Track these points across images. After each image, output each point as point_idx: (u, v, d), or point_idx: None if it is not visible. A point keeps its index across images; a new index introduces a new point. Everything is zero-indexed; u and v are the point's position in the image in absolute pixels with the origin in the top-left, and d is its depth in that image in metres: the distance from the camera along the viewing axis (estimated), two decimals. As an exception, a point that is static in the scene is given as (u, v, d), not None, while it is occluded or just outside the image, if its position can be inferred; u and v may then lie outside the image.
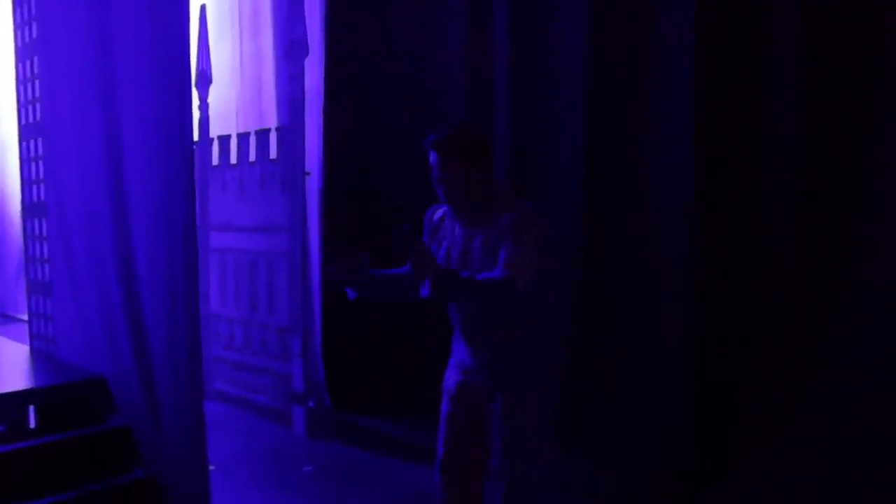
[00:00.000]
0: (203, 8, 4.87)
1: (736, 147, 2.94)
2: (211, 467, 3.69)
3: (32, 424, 3.26)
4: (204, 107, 5.01)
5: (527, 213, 2.08)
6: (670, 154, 3.08)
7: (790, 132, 2.81)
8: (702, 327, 2.99)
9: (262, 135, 4.69)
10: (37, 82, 3.59)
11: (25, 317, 4.17)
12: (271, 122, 4.71)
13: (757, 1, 2.87)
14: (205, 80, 4.96)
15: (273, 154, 4.62)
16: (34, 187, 3.74)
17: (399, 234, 1.87)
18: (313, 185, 4.55)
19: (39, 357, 3.82)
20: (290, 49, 4.39)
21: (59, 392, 3.30)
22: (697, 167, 2.96)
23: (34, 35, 3.58)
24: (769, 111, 2.86)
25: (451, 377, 2.32)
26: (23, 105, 3.71)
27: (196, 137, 5.08)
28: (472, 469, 2.25)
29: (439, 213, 2.29)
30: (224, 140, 4.98)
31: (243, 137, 4.84)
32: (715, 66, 2.93)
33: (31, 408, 3.27)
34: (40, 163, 3.66)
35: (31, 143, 3.71)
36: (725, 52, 2.93)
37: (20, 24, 3.65)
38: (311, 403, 4.46)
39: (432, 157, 2.10)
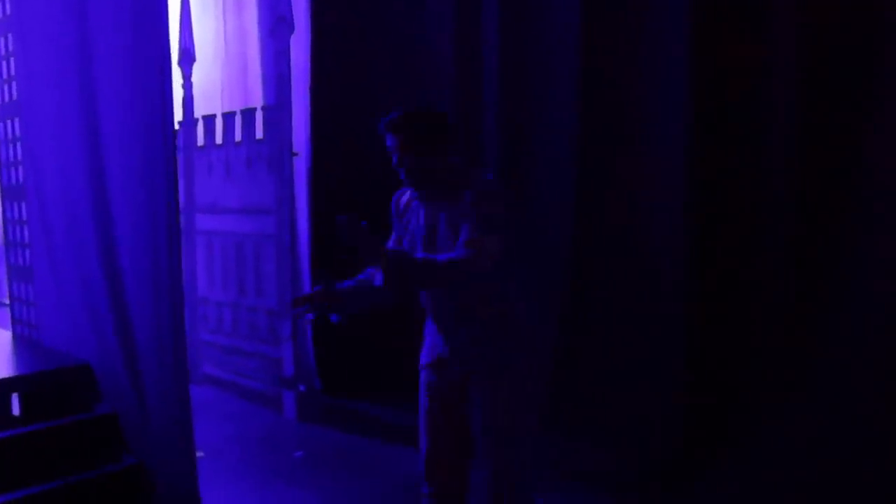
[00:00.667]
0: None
1: (732, 139, 2.92)
2: (200, 453, 3.65)
3: (16, 412, 3.20)
4: (188, 85, 4.89)
5: (487, 188, 2.02)
6: (665, 145, 3.06)
7: (787, 125, 2.79)
8: (695, 314, 2.99)
9: (248, 114, 4.59)
10: (12, 60, 3.47)
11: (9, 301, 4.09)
12: (257, 100, 4.60)
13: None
14: (188, 58, 4.84)
15: (259, 134, 4.52)
16: (12, 169, 3.64)
17: (341, 226, 1.80)
18: (301, 165, 4.46)
19: (22, 343, 3.74)
20: (275, 26, 4.28)
21: (44, 379, 3.23)
22: (692, 160, 2.95)
23: (8, 11, 3.46)
24: (765, 104, 2.85)
25: (424, 365, 2.26)
26: (-4, 84, 3.60)
27: (180, 117, 4.96)
28: (456, 464, 2.19)
29: (405, 197, 2.23)
30: (209, 120, 4.87)
31: (228, 117, 4.73)
32: (710, 56, 2.90)
33: (15, 395, 3.21)
34: (18, 144, 3.56)
35: (9, 123, 3.59)
36: (721, 42, 2.88)
37: (-6, 0, 3.52)
38: (301, 387, 4.41)
39: (389, 140, 2.05)
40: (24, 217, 3.60)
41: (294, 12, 4.27)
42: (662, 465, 3.03)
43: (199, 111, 4.94)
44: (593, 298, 3.31)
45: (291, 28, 4.27)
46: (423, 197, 2.12)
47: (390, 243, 2.22)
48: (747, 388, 2.89)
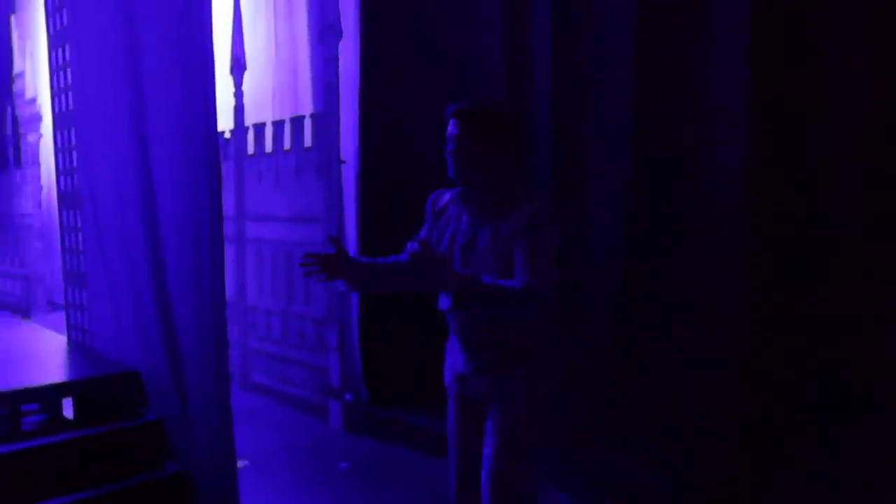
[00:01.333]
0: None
1: (795, 137, 2.75)
2: (245, 462, 3.64)
3: (69, 416, 3.25)
4: (239, 94, 4.94)
5: (548, 211, 1.87)
6: (724, 145, 2.90)
7: (855, 130, 2.59)
8: (752, 328, 2.81)
9: (297, 122, 4.60)
10: (69, 70, 3.55)
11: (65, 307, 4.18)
12: (307, 108, 4.60)
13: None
14: (239, 66, 4.88)
15: (308, 142, 4.52)
16: (68, 177, 3.72)
17: (416, 255, 1.75)
18: (349, 173, 4.43)
19: (76, 348, 3.81)
20: (324, 33, 4.28)
21: (95, 385, 3.27)
22: (753, 168, 2.77)
23: (65, 22, 3.54)
24: (831, 96, 2.66)
25: (448, 386, 2.16)
26: (56, 94, 3.68)
27: (232, 125, 5.02)
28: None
29: (445, 198, 2.10)
30: (259, 128, 4.90)
31: (278, 125, 4.75)
32: (773, 48, 2.73)
33: (69, 400, 3.26)
34: (73, 152, 3.63)
35: (65, 132, 3.67)
36: (784, 33, 2.71)
37: (52, 12, 3.61)
38: (347, 397, 4.37)
39: (452, 126, 1.92)
40: (80, 224, 3.67)
41: (343, 19, 4.25)
42: (717, 486, 2.87)
43: (250, 119, 4.98)
44: (647, 310, 3.17)
45: (340, 35, 4.26)
46: (471, 199, 1.97)
47: (420, 237, 2.10)
48: (807, 406, 2.71)
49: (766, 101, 2.75)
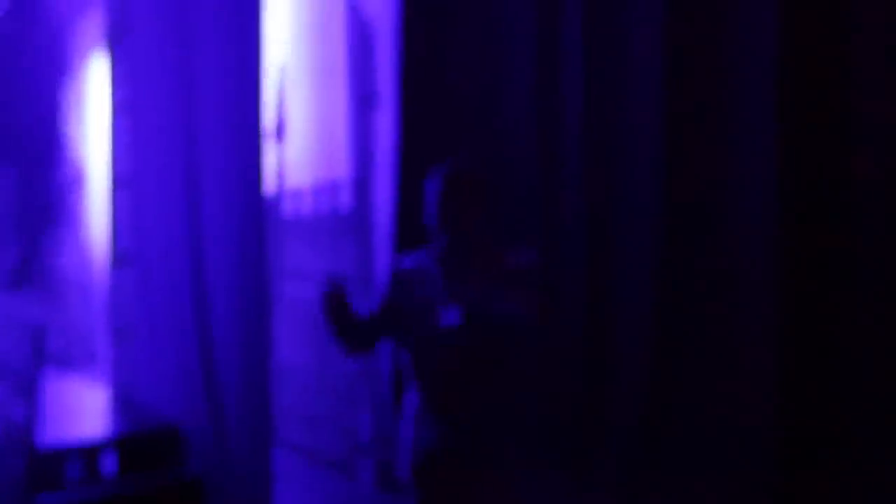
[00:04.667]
0: (283, 66, 5.07)
1: (825, 154, 2.75)
2: (278, 519, 3.67)
3: (111, 471, 3.33)
4: (280, 159, 5.16)
5: (534, 260, 2.06)
6: (753, 159, 2.91)
7: (884, 128, 2.60)
8: (790, 354, 2.77)
9: (335, 187, 4.78)
10: (128, 137, 3.78)
11: (109, 360, 4.30)
12: (343, 173, 4.80)
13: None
14: (280, 133, 5.12)
15: (344, 206, 4.70)
16: (121, 237, 3.90)
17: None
18: (382, 236, 4.57)
19: (120, 403, 3.92)
20: (362, 102, 4.49)
21: (137, 439, 3.36)
22: (783, 175, 2.77)
23: (128, 93, 3.79)
24: (862, 109, 2.65)
25: (417, 457, 2.05)
26: (116, 158, 3.91)
27: (273, 189, 5.23)
28: None
29: (406, 263, 2.15)
30: (298, 192, 5.10)
31: (317, 190, 4.95)
32: (802, 64, 2.73)
33: (111, 453, 3.34)
34: (128, 213, 3.82)
35: (121, 193, 3.88)
36: (813, 51, 2.74)
37: (118, 83, 3.87)
38: (378, 456, 4.40)
39: (447, 191, 2.02)
40: (128, 281, 3.83)
41: (381, 89, 4.47)
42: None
43: (290, 183, 5.19)
44: (679, 328, 3.13)
45: (377, 104, 4.47)
46: (452, 255, 2.04)
47: (380, 301, 2.15)
48: (850, 442, 2.65)
49: (796, 110, 2.73)
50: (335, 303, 2.05)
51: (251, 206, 2.85)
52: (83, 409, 3.93)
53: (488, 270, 2.02)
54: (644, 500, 3.15)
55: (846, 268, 2.74)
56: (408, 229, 4.45)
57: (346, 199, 4.70)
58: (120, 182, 3.91)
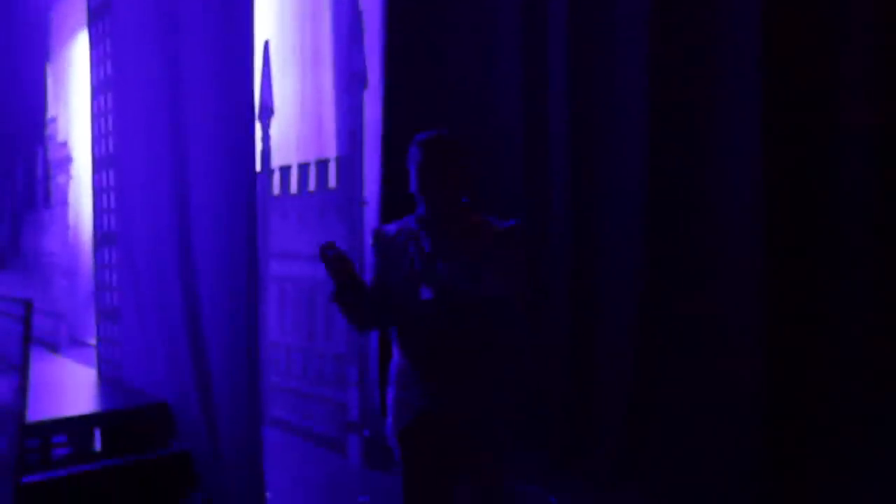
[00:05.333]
0: (267, 43, 5.04)
1: (809, 151, 2.76)
2: (267, 495, 3.71)
3: (98, 447, 3.35)
4: (266, 138, 5.15)
5: (520, 229, 2.05)
6: (737, 157, 2.93)
7: (865, 129, 2.62)
8: (776, 347, 2.78)
9: (322, 165, 4.78)
10: (110, 117, 3.75)
11: (94, 342, 4.31)
12: (331, 152, 4.79)
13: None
14: (267, 112, 5.10)
15: (331, 184, 4.70)
16: (105, 217, 3.89)
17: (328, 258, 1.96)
18: (371, 213, 4.58)
19: (106, 382, 3.93)
20: (349, 81, 4.48)
21: (124, 416, 3.38)
22: (767, 171, 2.78)
23: (109, 72, 3.76)
24: (843, 107, 2.67)
25: (399, 433, 2.04)
26: (97, 138, 3.89)
27: (258, 168, 5.21)
28: None
29: (391, 230, 2.16)
30: (285, 170, 5.10)
31: (303, 168, 4.94)
32: (783, 66, 2.75)
33: (97, 431, 3.36)
34: (111, 193, 3.81)
35: (104, 174, 3.86)
36: (798, 48, 2.74)
37: (96, 63, 3.84)
38: (366, 433, 4.45)
39: (425, 155, 2.04)
40: (114, 261, 3.83)
41: (368, 68, 4.46)
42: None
43: (276, 162, 5.18)
44: (667, 334, 3.17)
45: (365, 83, 4.46)
46: (438, 223, 2.04)
47: (376, 274, 2.15)
48: (835, 430, 2.69)
49: (778, 109, 2.75)
50: (342, 269, 2.01)
51: (239, 184, 2.84)
52: (70, 389, 3.94)
53: (474, 236, 2.02)
54: (626, 488, 3.19)
55: (830, 263, 2.74)
56: (394, 207, 4.46)
57: (333, 177, 4.69)
58: (100, 162, 3.89)
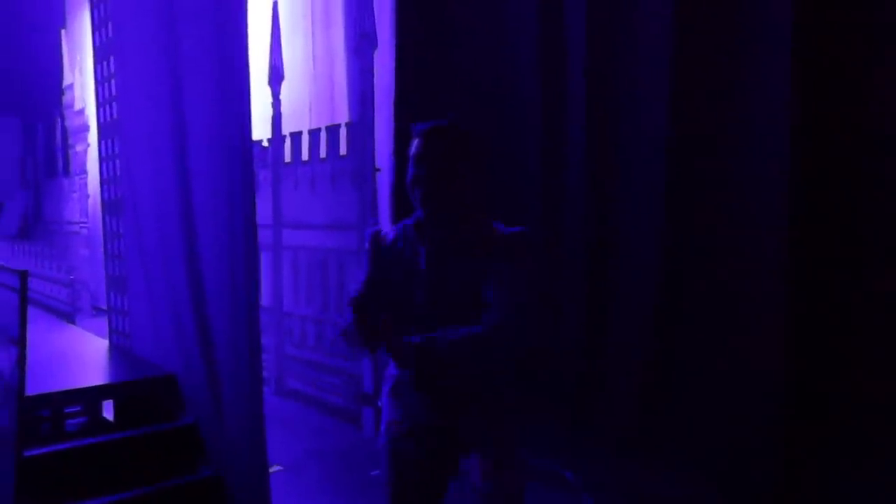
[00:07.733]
0: (275, 5, 4.88)
1: (837, 145, 2.65)
2: (278, 467, 3.68)
3: (108, 419, 3.33)
4: (276, 104, 5.02)
5: (527, 238, 1.79)
6: (764, 152, 2.82)
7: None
8: (798, 329, 2.72)
9: (333, 131, 4.65)
10: (113, 82, 3.66)
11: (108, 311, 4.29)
12: (342, 117, 4.65)
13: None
14: (277, 77, 4.97)
15: (343, 150, 4.57)
16: (112, 185, 3.82)
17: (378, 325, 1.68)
18: (384, 180, 4.46)
19: (117, 352, 3.91)
20: (360, 43, 4.32)
21: (134, 388, 3.35)
22: (794, 167, 2.69)
23: (110, 35, 3.65)
24: (873, 100, 2.56)
25: (394, 432, 1.92)
26: (101, 104, 3.80)
27: (269, 134, 5.10)
28: None
29: (389, 235, 1.94)
30: (296, 137, 4.97)
31: (314, 134, 4.81)
32: (815, 54, 2.65)
33: (109, 402, 3.34)
34: (117, 161, 3.73)
35: (109, 141, 3.78)
36: (826, 42, 2.63)
37: (97, 25, 3.73)
38: (380, 404, 4.38)
39: (423, 148, 1.81)
40: (122, 230, 3.77)
41: (379, 30, 4.29)
42: (760, 496, 2.79)
43: (288, 128, 5.05)
44: (685, 314, 3.09)
45: (375, 45, 4.29)
46: (434, 226, 1.82)
47: (366, 281, 1.95)
48: (859, 414, 2.60)
49: (809, 101, 2.66)
50: (365, 322, 1.76)
51: (239, 152, 2.74)
52: (81, 359, 3.93)
53: (475, 248, 1.78)
54: (644, 463, 3.12)
55: (853, 260, 2.63)
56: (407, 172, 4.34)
57: (344, 144, 4.56)
58: (105, 129, 3.81)
